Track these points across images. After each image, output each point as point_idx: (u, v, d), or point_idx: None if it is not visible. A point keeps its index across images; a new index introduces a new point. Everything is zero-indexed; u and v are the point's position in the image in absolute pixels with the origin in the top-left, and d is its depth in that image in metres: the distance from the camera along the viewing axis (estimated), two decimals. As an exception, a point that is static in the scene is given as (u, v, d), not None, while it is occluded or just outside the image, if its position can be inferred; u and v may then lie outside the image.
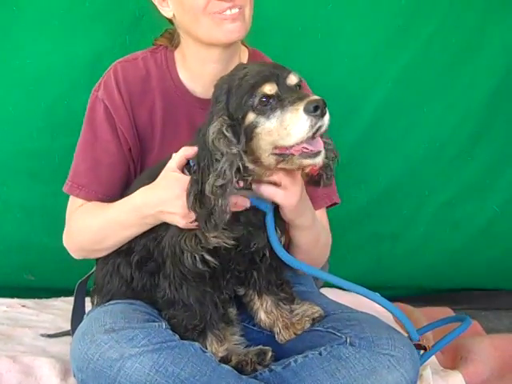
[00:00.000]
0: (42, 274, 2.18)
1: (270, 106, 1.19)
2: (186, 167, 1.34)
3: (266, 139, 1.20)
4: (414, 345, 1.39)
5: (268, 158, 1.23)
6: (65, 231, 1.57)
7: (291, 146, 1.19)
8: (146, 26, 1.95)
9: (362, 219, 2.26)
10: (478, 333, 2.07)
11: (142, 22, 1.97)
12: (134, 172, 1.58)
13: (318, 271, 1.45)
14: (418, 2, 2.11)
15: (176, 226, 1.33)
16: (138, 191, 1.40)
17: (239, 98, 1.21)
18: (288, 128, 1.17)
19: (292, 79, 1.23)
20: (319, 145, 1.20)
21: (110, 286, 1.47)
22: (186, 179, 1.28)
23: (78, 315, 1.63)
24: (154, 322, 1.31)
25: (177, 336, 1.31)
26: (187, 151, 1.33)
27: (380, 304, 1.39)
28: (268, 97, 1.19)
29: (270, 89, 1.20)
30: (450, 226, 2.32)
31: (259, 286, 1.45)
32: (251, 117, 1.21)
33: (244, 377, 1.32)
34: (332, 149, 1.33)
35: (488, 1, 2.14)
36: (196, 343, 1.31)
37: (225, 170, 1.19)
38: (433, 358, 1.74)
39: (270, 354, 1.40)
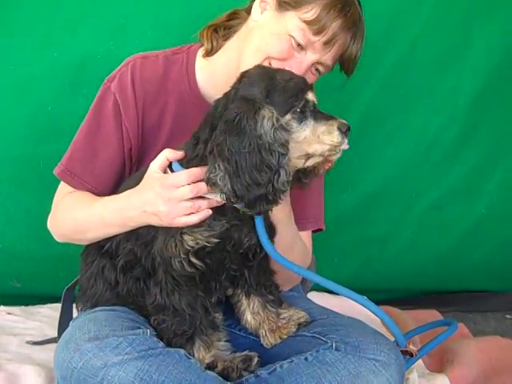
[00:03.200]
0: (28, 281, 2.16)
1: (306, 113, 1.27)
2: (168, 168, 1.34)
3: (297, 146, 1.27)
4: (401, 351, 1.39)
5: (296, 160, 1.30)
6: (50, 215, 1.57)
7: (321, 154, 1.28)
8: (131, 31, 1.95)
9: (350, 223, 2.26)
10: (465, 335, 2.08)
11: (127, 27, 1.96)
12: (129, 171, 1.57)
13: (307, 272, 1.45)
14: (402, 3, 2.12)
15: (162, 233, 1.33)
16: (123, 193, 1.40)
17: (286, 98, 1.26)
18: (320, 137, 1.27)
19: (313, 96, 1.32)
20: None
21: (94, 290, 1.47)
22: (165, 177, 1.30)
23: (65, 322, 1.61)
24: (138, 329, 1.31)
25: (161, 343, 1.30)
26: (170, 154, 1.33)
27: (368, 308, 1.40)
28: (308, 105, 1.28)
29: (311, 96, 1.30)
30: (438, 229, 2.33)
31: (249, 285, 1.45)
32: (287, 117, 1.26)
33: (229, 383, 1.32)
34: None
35: (472, 2, 2.15)
36: (181, 350, 1.31)
37: (287, 165, 1.24)
38: (419, 362, 1.75)
39: (255, 359, 1.39)
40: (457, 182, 2.28)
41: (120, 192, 1.44)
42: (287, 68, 1.42)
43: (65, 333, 1.36)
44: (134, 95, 1.51)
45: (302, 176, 1.38)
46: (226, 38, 1.56)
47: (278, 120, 1.24)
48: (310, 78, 1.47)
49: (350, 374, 1.29)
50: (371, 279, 2.35)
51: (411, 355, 1.44)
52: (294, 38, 1.43)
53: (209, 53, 1.55)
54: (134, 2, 1.97)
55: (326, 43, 1.42)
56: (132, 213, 1.36)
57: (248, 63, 1.42)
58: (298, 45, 1.43)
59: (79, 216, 1.47)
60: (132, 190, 1.38)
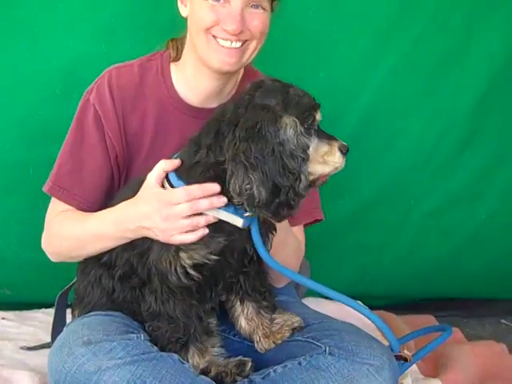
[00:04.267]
0: (18, 288, 2.13)
1: (310, 131, 1.29)
2: (166, 180, 1.34)
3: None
4: (396, 356, 1.40)
5: None
6: (44, 234, 1.56)
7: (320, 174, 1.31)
8: (122, 34, 1.92)
9: (348, 229, 2.23)
10: (459, 341, 2.08)
11: (118, 30, 1.93)
12: (117, 179, 1.58)
13: (304, 279, 1.44)
14: (402, 6, 2.08)
15: (157, 243, 1.33)
16: (119, 205, 1.40)
17: (299, 112, 1.28)
18: (325, 157, 1.29)
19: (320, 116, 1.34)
20: None
21: (90, 297, 1.47)
22: (163, 193, 1.30)
23: (58, 327, 1.61)
24: (132, 333, 1.31)
25: (155, 348, 1.30)
26: (166, 165, 1.33)
27: (362, 313, 1.40)
28: (314, 123, 1.30)
29: (319, 116, 1.32)
30: (437, 236, 2.30)
31: (243, 291, 1.45)
32: (302, 130, 1.27)
33: (223, 388, 1.32)
34: None
35: (473, 5, 2.11)
36: (175, 354, 1.31)
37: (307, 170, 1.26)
38: (413, 366, 1.75)
39: (249, 364, 1.39)
40: (457, 188, 2.24)
41: (115, 203, 1.44)
42: (223, 26, 1.42)
43: (59, 337, 1.36)
44: (113, 104, 1.52)
45: None
46: (183, 41, 1.57)
47: (299, 128, 1.26)
48: (257, 18, 1.45)
49: (343, 379, 1.29)
50: (368, 286, 2.33)
51: (405, 360, 1.44)
52: (207, 1, 1.42)
53: (175, 58, 1.57)
54: (126, 4, 1.94)
55: None
56: (129, 225, 1.35)
57: (200, 48, 1.46)
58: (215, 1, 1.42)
59: (75, 232, 1.47)
60: (129, 201, 1.38)
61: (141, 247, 1.38)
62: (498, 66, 2.16)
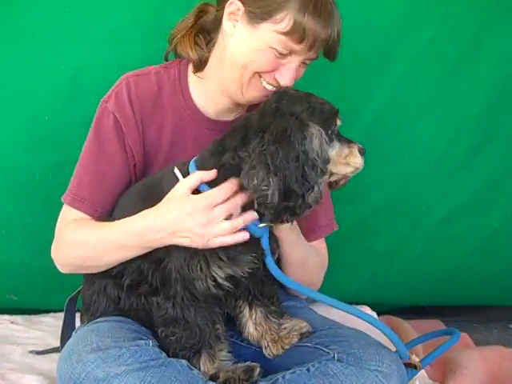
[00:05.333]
0: (24, 294, 2.10)
1: (332, 136, 1.33)
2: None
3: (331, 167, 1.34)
4: (405, 364, 1.39)
5: None
6: (54, 243, 1.52)
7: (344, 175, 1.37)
8: (130, 37, 1.89)
9: (357, 236, 2.20)
10: (468, 345, 2.07)
11: (126, 35, 1.91)
12: None
13: (314, 293, 1.44)
14: (411, 11, 2.05)
15: (178, 250, 1.32)
16: (140, 214, 1.36)
17: (323, 119, 1.32)
18: (347, 159, 1.35)
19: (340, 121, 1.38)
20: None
21: (97, 305, 1.47)
22: (198, 199, 1.29)
23: (67, 332, 1.61)
24: (141, 339, 1.31)
25: (164, 354, 1.30)
26: (203, 175, 1.30)
27: (369, 323, 1.39)
28: (337, 128, 1.35)
29: (339, 121, 1.36)
30: (448, 243, 2.25)
31: (253, 296, 1.46)
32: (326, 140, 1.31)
33: (231, 394, 1.32)
34: None
35: (484, 10, 2.08)
36: (183, 361, 1.31)
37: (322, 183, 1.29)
38: (422, 372, 1.74)
39: (257, 370, 1.38)
40: (468, 194, 2.20)
41: (120, 211, 1.44)
42: (277, 77, 1.43)
43: (67, 343, 1.36)
44: (133, 112, 1.51)
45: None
46: (209, 49, 1.53)
47: (324, 138, 1.30)
48: (299, 72, 1.47)
49: (351, 385, 1.29)
50: (377, 293, 2.30)
51: (415, 367, 1.44)
52: (276, 50, 1.40)
53: (198, 67, 1.54)
54: (133, 9, 1.92)
55: (311, 46, 1.40)
56: (154, 235, 1.32)
57: (234, 82, 1.45)
58: (282, 54, 1.41)
59: (92, 239, 1.42)
60: (148, 211, 1.35)
61: (155, 255, 1.37)
62: (509, 71, 2.13)
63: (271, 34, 1.39)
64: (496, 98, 2.13)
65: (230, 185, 1.29)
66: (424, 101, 2.11)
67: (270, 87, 1.45)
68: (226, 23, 1.45)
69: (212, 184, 1.31)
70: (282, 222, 1.30)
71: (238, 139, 1.31)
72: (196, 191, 1.31)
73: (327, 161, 1.30)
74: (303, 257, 1.55)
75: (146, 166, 1.55)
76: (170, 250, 1.34)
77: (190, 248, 1.31)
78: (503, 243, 2.27)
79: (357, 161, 1.37)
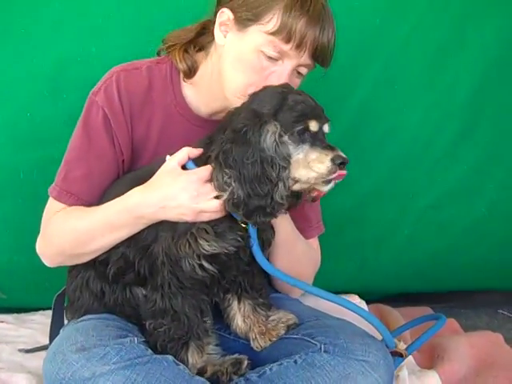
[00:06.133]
0: (14, 292, 2.09)
1: (304, 138, 1.29)
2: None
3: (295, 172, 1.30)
4: (391, 352, 1.40)
5: None
6: (40, 236, 1.51)
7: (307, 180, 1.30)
8: (111, 34, 1.87)
9: (345, 224, 2.20)
10: (456, 331, 2.09)
11: (109, 29, 1.88)
12: None
13: (300, 282, 1.44)
14: None
15: (167, 230, 1.34)
16: (130, 192, 1.37)
17: (289, 119, 1.29)
18: (310, 164, 1.28)
19: (326, 128, 1.34)
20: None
21: (81, 302, 1.47)
22: (190, 173, 1.32)
23: (56, 329, 1.61)
24: (126, 337, 1.31)
25: (149, 351, 1.30)
26: (192, 151, 1.35)
27: (357, 313, 1.40)
28: (308, 131, 1.29)
29: (314, 125, 1.30)
30: (435, 229, 2.27)
31: (242, 288, 1.46)
32: (285, 138, 1.28)
33: (219, 387, 1.33)
34: None
35: None
36: (169, 357, 1.31)
37: (288, 179, 1.28)
38: (409, 358, 1.76)
39: (245, 362, 1.40)
40: (456, 181, 2.21)
41: (107, 200, 1.43)
42: (268, 83, 1.40)
43: (52, 343, 1.36)
44: (122, 108, 1.50)
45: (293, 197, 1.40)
46: (200, 60, 1.53)
47: (281, 136, 1.28)
48: (295, 83, 1.46)
49: (338, 376, 1.30)
50: (367, 280, 2.31)
51: (401, 356, 1.45)
52: (264, 54, 1.39)
53: (188, 75, 1.53)
54: (114, 3, 1.89)
55: (298, 46, 1.39)
56: (146, 210, 1.34)
57: (231, 90, 1.44)
58: (271, 58, 1.40)
59: (80, 225, 1.43)
60: (139, 187, 1.37)
61: (142, 242, 1.38)
62: (493, 57, 2.12)
63: (260, 35, 1.38)
64: (481, 84, 2.13)
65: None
66: (409, 88, 2.10)
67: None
68: (217, 35, 1.45)
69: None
70: (256, 223, 1.30)
71: (221, 134, 1.32)
72: (183, 168, 1.35)
73: (286, 158, 1.28)
74: (301, 253, 1.56)
75: (133, 161, 1.55)
76: (157, 234, 1.36)
77: (178, 228, 1.33)
78: (491, 228, 2.28)
79: (320, 166, 1.28)
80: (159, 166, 1.38)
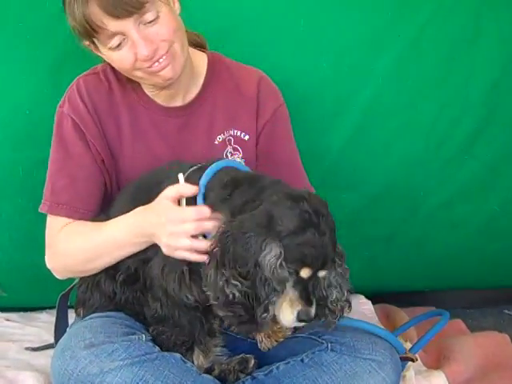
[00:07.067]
0: (16, 291, 2.06)
1: (291, 277, 1.18)
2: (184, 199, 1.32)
3: None
4: (402, 357, 1.40)
5: None
6: (48, 253, 1.52)
7: None
8: None
9: (355, 222, 2.14)
10: (462, 331, 2.09)
11: None
12: (109, 182, 1.57)
13: None
14: None
15: (159, 254, 1.33)
16: (133, 212, 1.38)
17: (290, 251, 1.17)
18: (281, 309, 1.19)
19: (321, 274, 1.22)
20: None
21: (91, 302, 1.47)
22: (173, 210, 1.28)
23: (61, 328, 1.61)
24: (133, 334, 1.31)
25: (157, 348, 1.31)
26: (184, 189, 1.30)
27: (362, 328, 1.39)
28: (299, 276, 1.19)
29: (305, 273, 1.19)
30: (447, 228, 2.21)
31: None
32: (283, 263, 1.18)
33: (225, 386, 1.34)
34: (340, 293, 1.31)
35: None
36: (177, 354, 1.31)
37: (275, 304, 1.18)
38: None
39: (252, 361, 1.41)
40: (469, 179, 2.13)
41: (115, 210, 1.45)
42: (142, 55, 1.38)
43: (61, 340, 1.36)
44: (87, 110, 1.52)
45: None
46: None
47: (281, 261, 1.17)
48: (157, 29, 1.38)
49: (345, 375, 1.31)
50: (376, 280, 2.27)
51: (412, 360, 1.45)
52: (112, 49, 1.40)
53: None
54: None
55: (98, 30, 1.36)
56: (142, 231, 1.35)
57: (140, 80, 1.49)
58: (118, 46, 1.39)
59: (87, 244, 1.44)
60: (140, 209, 1.36)
61: (142, 254, 1.38)
62: (510, 52, 2.04)
63: (88, 44, 1.44)
64: (496, 80, 2.06)
65: (205, 209, 1.27)
66: (422, 84, 2.03)
67: (155, 64, 1.41)
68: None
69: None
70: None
71: (230, 190, 1.28)
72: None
73: (282, 280, 1.16)
74: None
75: (115, 160, 1.56)
76: (157, 249, 1.34)
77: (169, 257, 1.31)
78: (504, 227, 2.23)
79: (286, 318, 1.19)
80: (159, 175, 1.38)
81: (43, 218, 1.57)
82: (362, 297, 2.13)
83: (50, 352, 1.70)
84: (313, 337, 1.40)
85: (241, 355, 1.42)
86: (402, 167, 2.11)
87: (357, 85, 1.99)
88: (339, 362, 1.32)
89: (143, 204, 1.37)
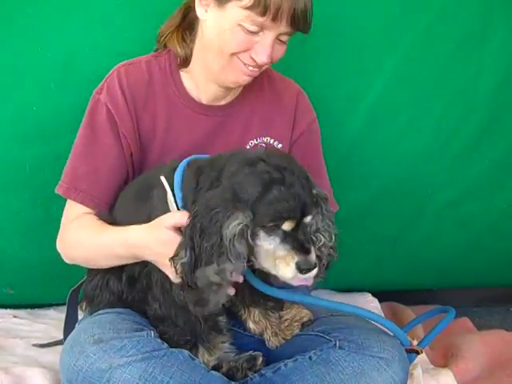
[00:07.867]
0: (24, 288, 2.07)
1: (276, 232, 1.20)
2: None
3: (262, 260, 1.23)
4: (407, 350, 1.39)
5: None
6: (59, 236, 1.54)
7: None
8: (119, 25, 1.82)
9: (362, 220, 2.15)
10: (469, 329, 2.08)
11: (114, 21, 1.82)
12: (132, 176, 1.57)
13: (306, 297, 1.41)
14: None
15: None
16: (131, 227, 1.36)
17: (263, 213, 1.18)
18: (277, 261, 1.20)
19: (307, 220, 1.23)
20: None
21: (100, 299, 1.48)
22: (172, 240, 1.26)
23: (70, 324, 1.62)
24: (142, 330, 1.31)
25: (165, 344, 1.31)
26: (183, 219, 1.25)
27: (367, 317, 1.39)
28: (281, 230, 1.20)
29: (287, 226, 1.20)
30: (454, 226, 2.21)
31: (247, 298, 1.45)
32: (255, 229, 1.20)
33: (234, 383, 1.33)
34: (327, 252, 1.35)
35: None
36: (185, 351, 1.31)
37: (230, 273, 1.18)
38: (423, 357, 1.75)
39: (260, 359, 1.40)
40: (476, 176, 2.14)
41: (118, 208, 1.46)
42: (253, 55, 1.42)
43: (70, 336, 1.36)
44: (125, 101, 1.51)
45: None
46: (194, 43, 1.55)
47: (243, 230, 1.18)
48: (279, 50, 1.46)
49: (353, 372, 1.30)
50: (382, 278, 2.28)
51: (417, 353, 1.45)
52: (244, 27, 1.40)
53: (184, 63, 1.55)
54: None
55: (275, 18, 1.38)
56: (138, 251, 1.34)
57: (218, 67, 1.46)
58: (251, 31, 1.40)
59: (88, 244, 1.45)
60: (138, 227, 1.34)
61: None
62: None
63: (237, 11, 1.39)
64: (504, 78, 2.06)
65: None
66: (430, 81, 2.04)
67: (250, 68, 1.45)
68: (198, 10, 1.47)
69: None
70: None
71: (194, 181, 1.29)
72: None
73: (238, 256, 1.17)
74: None
75: (143, 154, 1.56)
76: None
77: None
78: (511, 225, 2.23)
79: (284, 271, 1.20)
80: (157, 185, 1.36)
81: (50, 214, 1.56)
82: (369, 295, 2.13)
83: (58, 348, 1.71)
84: (320, 334, 1.40)
85: (249, 352, 1.42)
86: (410, 165, 2.11)
87: (365, 82, 1.99)
88: (347, 359, 1.31)
89: (144, 203, 1.37)
